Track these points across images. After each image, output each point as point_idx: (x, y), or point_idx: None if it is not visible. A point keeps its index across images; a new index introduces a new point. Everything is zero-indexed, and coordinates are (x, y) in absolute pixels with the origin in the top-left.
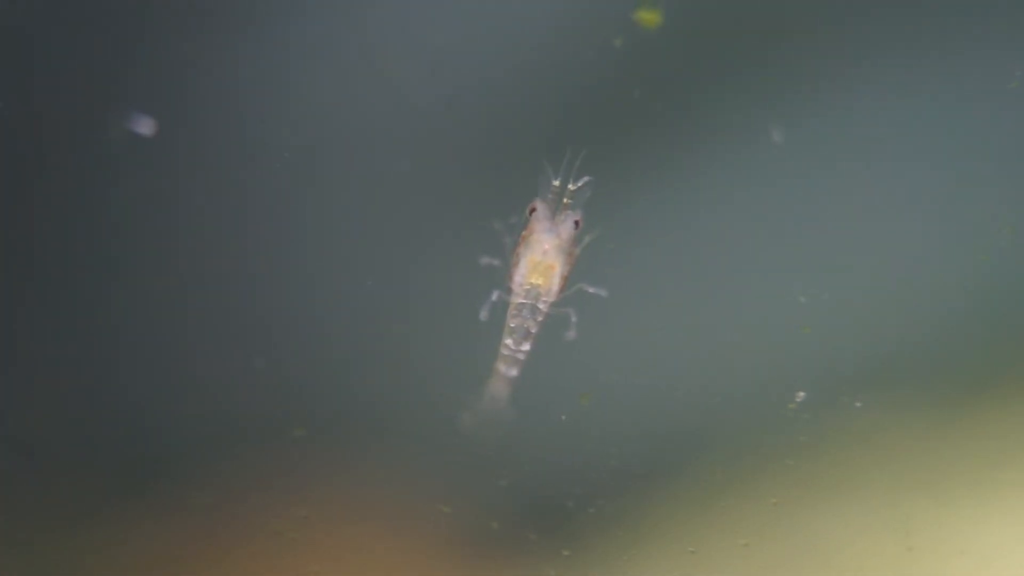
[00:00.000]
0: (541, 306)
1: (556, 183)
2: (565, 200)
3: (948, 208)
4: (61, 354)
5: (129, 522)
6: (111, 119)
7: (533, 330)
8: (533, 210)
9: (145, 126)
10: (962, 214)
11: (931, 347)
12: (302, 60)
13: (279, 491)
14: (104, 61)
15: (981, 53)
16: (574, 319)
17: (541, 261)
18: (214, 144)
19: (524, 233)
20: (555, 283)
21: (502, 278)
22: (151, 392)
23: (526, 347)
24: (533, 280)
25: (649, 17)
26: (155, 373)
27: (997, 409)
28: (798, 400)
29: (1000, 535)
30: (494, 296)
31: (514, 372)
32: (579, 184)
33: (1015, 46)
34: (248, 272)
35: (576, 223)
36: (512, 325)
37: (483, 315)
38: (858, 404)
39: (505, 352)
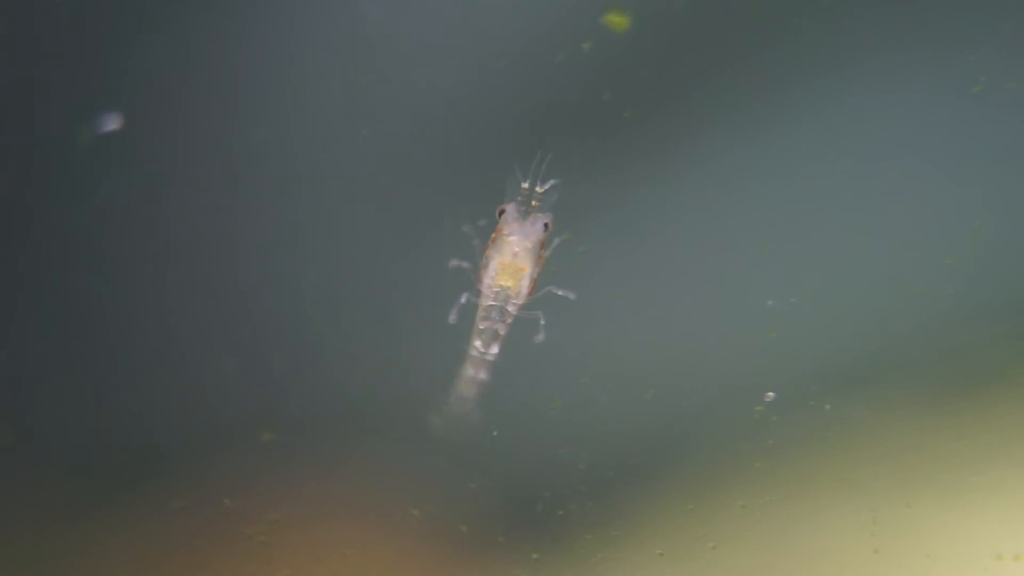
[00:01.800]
0: (510, 308)
1: (525, 185)
2: (534, 202)
3: (917, 213)
4: (42, 358)
5: (108, 527)
6: (91, 122)
7: (502, 332)
8: (502, 212)
9: (113, 122)
10: (935, 216)
11: (901, 351)
12: (276, 63)
13: (250, 495)
14: (97, 59)
15: (957, 55)
16: (543, 321)
17: (511, 263)
18: (197, 144)
19: (493, 235)
20: (524, 285)
21: (471, 280)
22: (129, 398)
23: (495, 349)
24: (502, 282)
25: (618, 21)
26: (133, 379)
27: (967, 413)
28: (767, 400)
29: (967, 539)
30: (463, 299)
31: (483, 375)
32: (548, 187)
33: (988, 46)
34: (222, 277)
35: (546, 225)
36: (481, 327)
37: (452, 318)
38: (827, 407)
39: (474, 354)
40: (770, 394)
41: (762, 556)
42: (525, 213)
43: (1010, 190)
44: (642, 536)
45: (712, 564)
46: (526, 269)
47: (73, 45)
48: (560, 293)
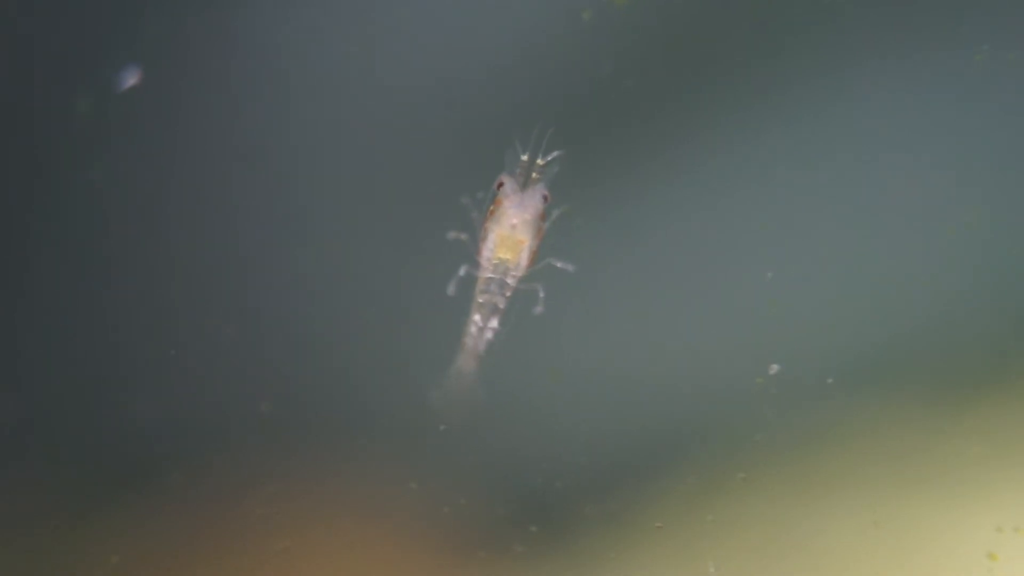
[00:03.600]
0: (509, 281)
1: (524, 157)
2: (533, 174)
3: (920, 210)
4: (45, 352)
5: (114, 522)
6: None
7: (501, 305)
8: (501, 184)
9: (131, 78)
10: (941, 209)
11: (907, 332)
12: (282, 50)
13: (247, 470)
14: (97, 54)
15: (961, 51)
16: (542, 294)
17: (510, 235)
18: (197, 139)
19: (492, 207)
20: (524, 258)
21: (470, 253)
22: (134, 390)
23: (494, 323)
24: (501, 255)
25: None
26: (137, 371)
27: (969, 395)
28: (772, 373)
29: (968, 522)
30: (462, 271)
31: (482, 348)
32: (547, 159)
33: (992, 44)
34: (221, 269)
35: (544, 197)
36: (480, 300)
37: (451, 290)
38: (829, 380)
39: (473, 328)
40: (774, 366)
41: (762, 529)
42: (524, 185)
43: (1014, 187)
44: (641, 508)
45: (711, 537)
46: (525, 241)
47: (71, 41)
48: (559, 265)
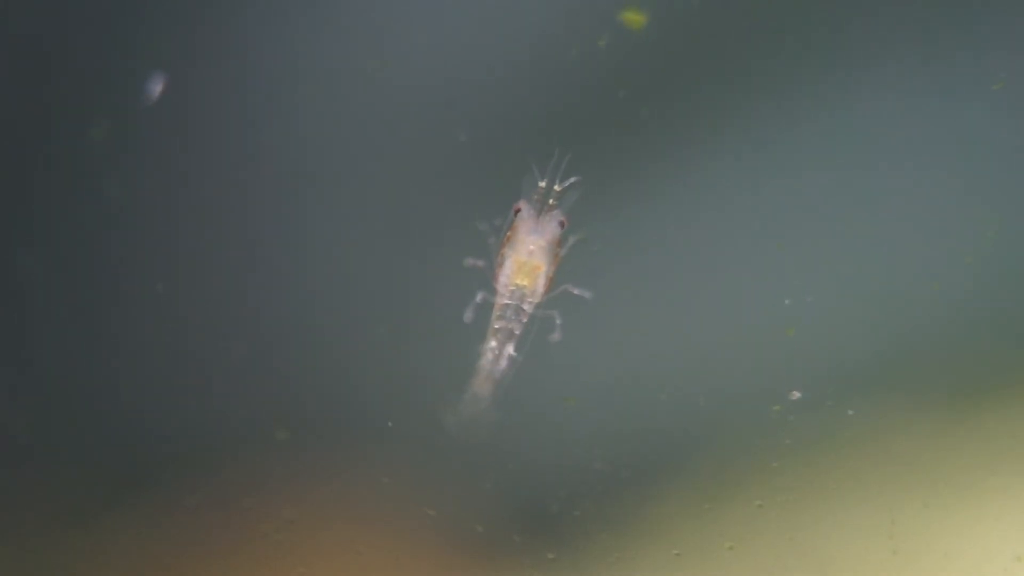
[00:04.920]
0: (526, 307)
1: (542, 184)
2: (550, 201)
3: (935, 210)
4: (53, 356)
5: (119, 525)
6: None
7: (517, 332)
8: (518, 210)
9: (158, 85)
10: (950, 217)
11: (919, 351)
12: (294, 60)
13: (265, 494)
14: (100, 58)
15: (969, 57)
16: (559, 321)
17: (526, 262)
18: (206, 143)
19: (509, 234)
20: (540, 284)
21: (487, 279)
22: (142, 396)
23: (510, 349)
24: (518, 281)
25: (634, 18)
26: (145, 377)
27: (985, 414)
28: (793, 399)
29: (985, 539)
30: (479, 298)
31: (498, 374)
32: (565, 185)
33: (1001, 49)
34: (234, 278)
35: (561, 223)
36: (497, 327)
37: (468, 317)
38: (851, 412)
39: (490, 354)
40: (796, 393)
41: (779, 556)
42: (541, 211)
43: (1016, 189)
44: (659, 536)
45: (729, 564)
46: (542, 267)
47: (80, 43)
48: (576, 292)
